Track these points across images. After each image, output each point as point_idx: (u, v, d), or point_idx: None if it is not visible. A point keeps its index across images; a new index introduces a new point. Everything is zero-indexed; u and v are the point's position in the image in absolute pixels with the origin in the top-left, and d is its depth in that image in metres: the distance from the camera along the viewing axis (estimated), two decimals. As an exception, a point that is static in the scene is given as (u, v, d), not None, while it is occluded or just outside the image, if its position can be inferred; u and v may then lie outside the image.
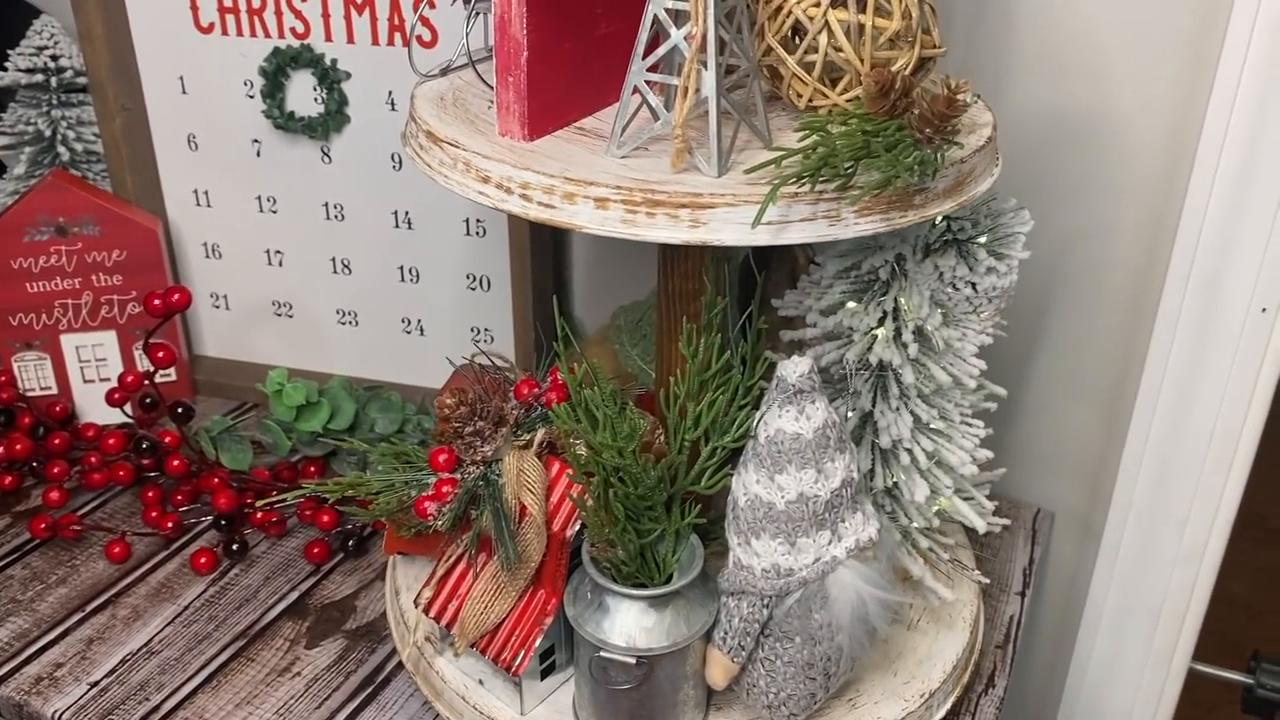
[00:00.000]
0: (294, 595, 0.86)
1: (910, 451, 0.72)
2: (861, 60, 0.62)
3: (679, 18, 0.59)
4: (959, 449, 0.73)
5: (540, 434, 0.71)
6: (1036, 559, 0.94)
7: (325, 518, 0.91)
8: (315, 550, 0.89)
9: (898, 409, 0.71)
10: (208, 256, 1.09)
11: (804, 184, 0.57)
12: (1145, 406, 0.90)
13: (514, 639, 0.69)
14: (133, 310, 1.03)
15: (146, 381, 0.93)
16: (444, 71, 0.74)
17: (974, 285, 0.71)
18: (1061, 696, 1.06)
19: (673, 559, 0.68)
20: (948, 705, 0.75)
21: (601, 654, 0.65)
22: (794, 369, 0.63)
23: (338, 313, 1.09)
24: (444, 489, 0.68)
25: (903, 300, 0.70)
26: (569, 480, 0.68)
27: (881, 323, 0.70)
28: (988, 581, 0.81)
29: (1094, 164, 0.88)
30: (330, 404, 0.96)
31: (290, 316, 1.10)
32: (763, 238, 0.59)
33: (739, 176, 0.60)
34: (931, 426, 0.72)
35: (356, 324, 1.09)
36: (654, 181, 0.59)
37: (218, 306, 1.11)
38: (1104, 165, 0.87)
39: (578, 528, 0.68)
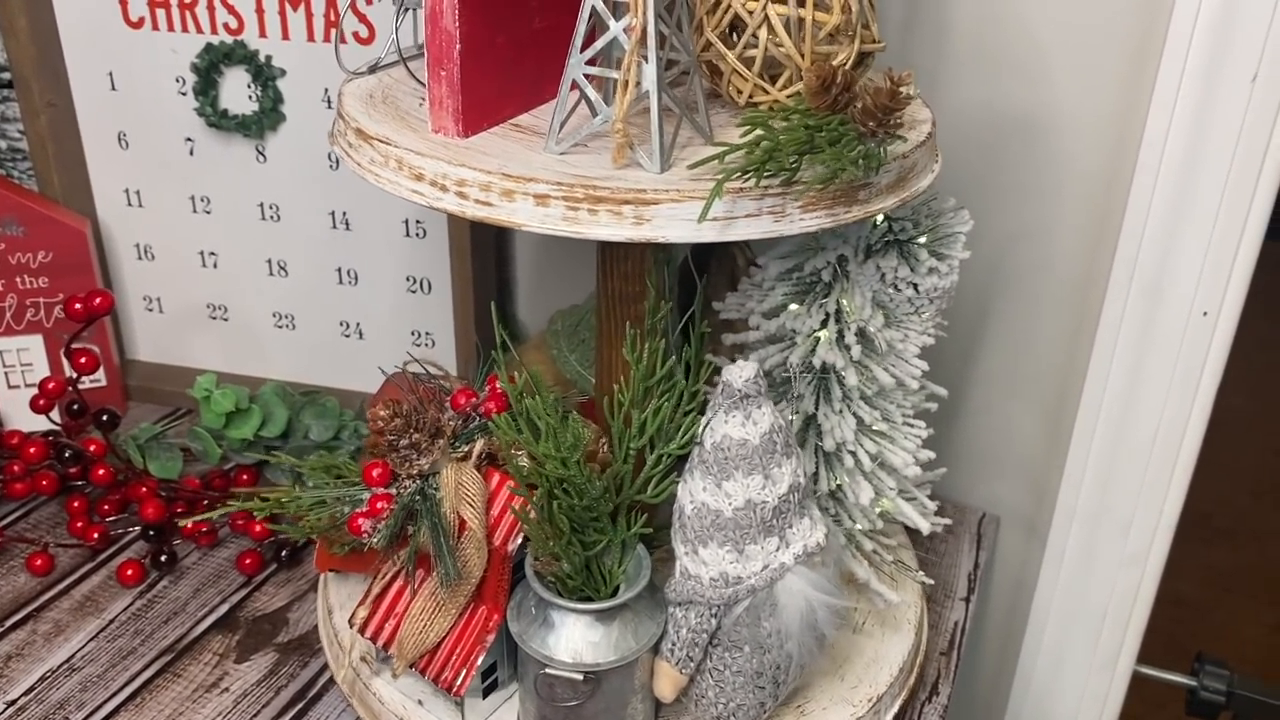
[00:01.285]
0: (224, 608, 0.84)
1: (854, 454, 0.71)
2: (802, 55, 0.61)
3: (617, 9, 0.58)
4: (902, 450, 0.72)
5: (479, 445, 0.68)
6: (981, 564, 0.93)
7: (257, 528, 0.88)
8: (247, 561, 0.86)
9: (841, 411, 0.70)
10: (140, 258, 1.06)
11: (749, 179, 0.56)
12: (1089, 409, 0.90)
13: (455, 658, 0.67)
14: (60, 314, 0.99)
15: (70, 388, 0.89)
16: (372, 69, 0.71)
17: (916, 286, 0.70)
18: (1008, 700, 1.05)
19: (619, 571, 0.66)
20: (895, 709, 0.74)
21: (547, 670, 0.63)
22: (740, 374, 0.62)
23: (274, 315, 1.06)
24: (379, 505, 0.66)
25: (845, 302, 0.69)
26: (509, 492, 0.66)
27: (824, 325, 0.69)
28: (931, 582, 0.80)
29: (1035, 165, 0.87)
30: (262, 410, 0.93)
31: (225, 319, 1.07)
32: (709, 234, 0.57)
33: (682, 172, 0.59)
34: (874, 428, 0.71)
35: (294, 327, 1.06)
36: (595, 178, 0.58)
37: (150, 309, 1.08)
38: (1045, 166, 0.87)
39: (520, 541, 0.67)
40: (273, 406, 0.94)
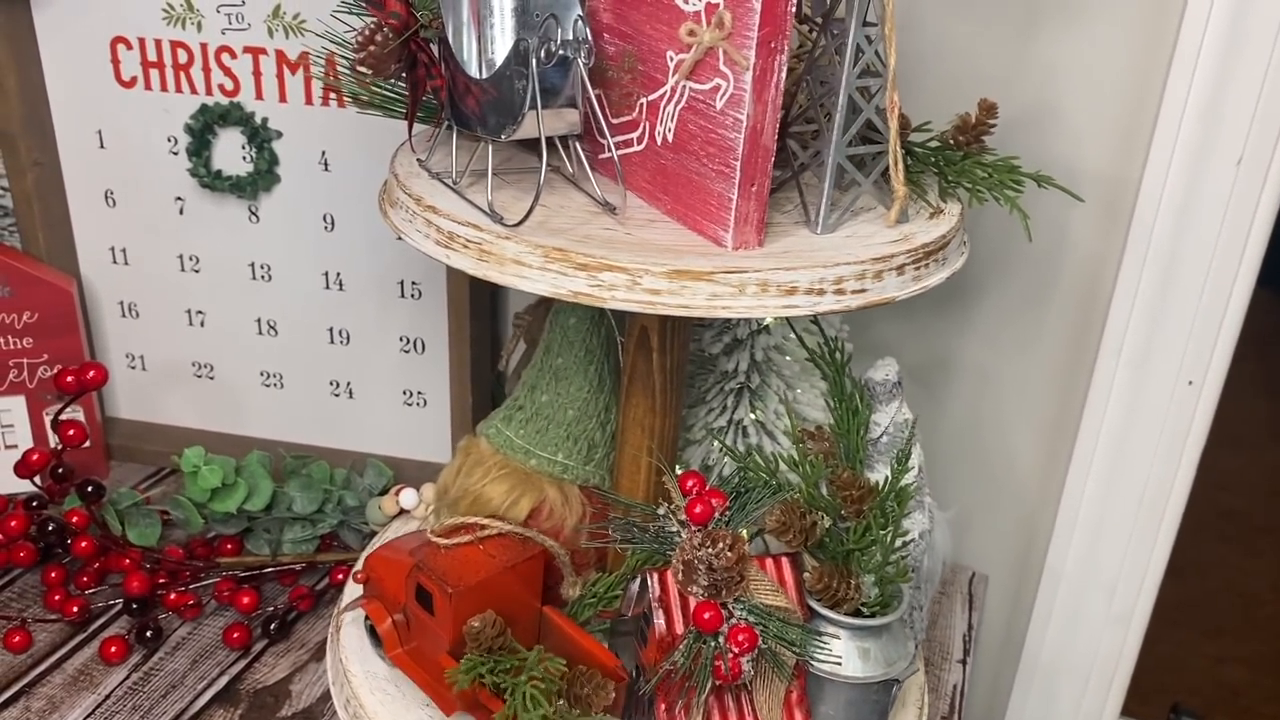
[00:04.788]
0: (224, 680, 0.82)
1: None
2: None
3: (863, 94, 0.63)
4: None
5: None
6: (975, 624, 0.95)
7: (245, 599, 0.86)
8: (235, 635, 0.84)
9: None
10: (124, 315, 1.04)
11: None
12: (1078, 474, 0.93)
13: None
14: (43, 374, 0.97)
15: (55, 459, 0.87)
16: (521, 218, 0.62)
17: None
18: (993, 755, 1.07)
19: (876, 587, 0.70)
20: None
21: (899, 680, 0.69)
22: (889, 369, 0.72)
23: (262, 374, 1.05)
24: (740, 638, 0.62)
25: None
26: (783, 564, 0.68)
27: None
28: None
29: (1033, 242, 0.90)
30: (247, 484, 0.91)
31: (211, 378, 1.06)
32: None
33: (911, 220, 0.67)
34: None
35: (281, 386, 1.05)
36: (901, 238, 0.63)
37: (134, 367, 1.06)
38: (1039, 243, 0.90)
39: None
40: (258, 479, 0.92)
